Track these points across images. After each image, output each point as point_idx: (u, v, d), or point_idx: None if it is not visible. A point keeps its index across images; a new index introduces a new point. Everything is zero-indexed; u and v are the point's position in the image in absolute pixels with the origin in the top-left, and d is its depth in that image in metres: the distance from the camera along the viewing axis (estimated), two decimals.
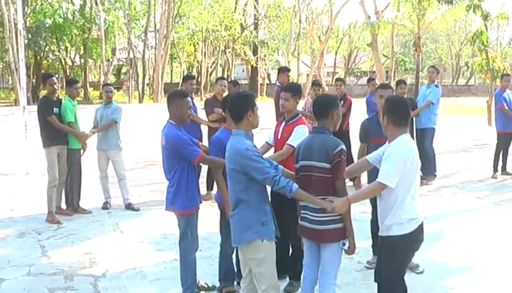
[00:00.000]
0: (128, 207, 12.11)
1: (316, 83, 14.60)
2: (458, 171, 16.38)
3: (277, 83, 14.90)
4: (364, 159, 6.59)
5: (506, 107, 15.41)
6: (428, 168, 14.64)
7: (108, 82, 44.43)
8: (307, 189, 5.87)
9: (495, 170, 15.68)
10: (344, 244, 5.92)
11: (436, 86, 14.78)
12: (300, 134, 7.18)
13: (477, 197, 13.23)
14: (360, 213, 9.41)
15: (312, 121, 10.17)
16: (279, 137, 7.66)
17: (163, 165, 7.19)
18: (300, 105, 9.35)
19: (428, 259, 8.63)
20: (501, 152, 15.71)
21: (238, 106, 6.00)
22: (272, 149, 7.89)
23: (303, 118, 7.83)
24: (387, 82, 36.85)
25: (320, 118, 6.07)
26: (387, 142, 6.03)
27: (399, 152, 5.75)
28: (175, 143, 6.84)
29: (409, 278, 6.39)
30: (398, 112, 5.96)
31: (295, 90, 7.69)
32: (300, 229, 6.17)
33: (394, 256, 5.92)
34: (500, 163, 15.75)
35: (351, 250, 5.97)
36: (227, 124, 7.11)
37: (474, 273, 8.39)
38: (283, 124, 7.68)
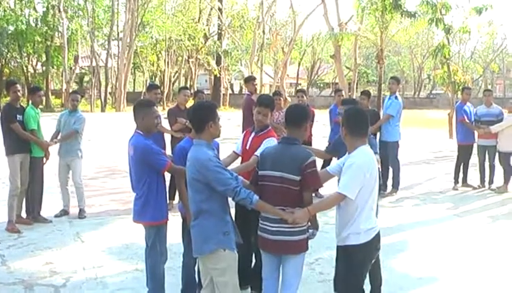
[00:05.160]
0: (80, 213, 12.06)
1: (277, 93, 14.66)
2: (419, 183, 16.52)
3: (246, 93, 14.98)
4: (325, 170, 6.63)
5: (467, 120, 15.60)
6: (394, 180, 14.77)
7: (72, 89, 44.05)
8: (267, 199, 5.90)
9: (456, 182, 15.86)
10: (313, 234, 6.13)
11: (396, 98, 14.88)
12: None
13: (438, 209, 13.34)
14: (323, 224, 9.44)
15: (280, 133, 10.19)
16: (247, 148, 7.65)
17: (130, 176, 7.15)
18: None
19: (389, 269, 8.68)
20: (462, 164, 15.90)
21: (199, 116, 6.01)
22: (239, 158, 7.89)
23: (272, 129, 7.85)
24: (350, 96, 37.03)
25: (292, 128, 6.09)
26: (347, 153, 6.08)
27: (359, 164, 5.80)
28: (144, 153, 6.80)
29: (368, 288, 6.43)
30: (357, 122, 6.03)
31: (272, 104, 7.74)
32: (260, 241, 6.18)
33: (352, 265, 5.98)
34: (461, 175, 15.94)
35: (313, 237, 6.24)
36: (191, 134, 7.10)
37: (435, 284, 8.47)
38: (253, 134, 7.68)
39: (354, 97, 35.31)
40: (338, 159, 6.73)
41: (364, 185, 5.79)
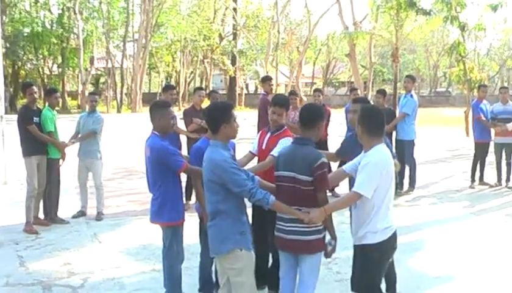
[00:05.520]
0: (97, 216, 12.08)
1: (292, 93, 14.66)
2: (435, 182, 16.46)
3: (262, 93, 15.01)
4: (341, 168, 6.64)
5: (483, 118, 15.54)
6: (410, 179, 14.74)
7: (89, 91, 44.20)
8: (285, 199, 5.90)
9: (473, 180, 15.79)
10: (330, 244, 6.05)
11: (411, 96, 14.83)
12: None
13: (454, 207, 13.30)
14: (339, 223, 9.45)
15: (296, 132, 10.19)
16: (264, 147, 7.66)
17: (147, 177, 7.18)
18: None
19: (406, 268, 8.66)
20: (479, 162, 15.84)
21: (215, 116, 6.00)
22: (255, 159, 7.90)
23: (288, 129, 7.84)
24: (366, 95, 36.98)
25: (305, 128, 6.08)
26: (363, 152, 6.07)
27: (375, 163, 5.79)
28: (160, 154, 6.82)
29: (384, 286, 6.42)
30: (373, 121, 6.01)
31: (287, 104, 7.77)
32: (276, 241, 6.20)
33: (369, 264, 5.98)
34: (478, 173, 15.86)
35: (331, 252, 6.11)
36: (208, 134, 7.10)
37: (452, 283, 8.44)
38: (269, 134, 7.69)
39: (369, 96, 35.29)
40: (348, 161, 6.68)
41: (380, 184, 5.79)
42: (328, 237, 6.10)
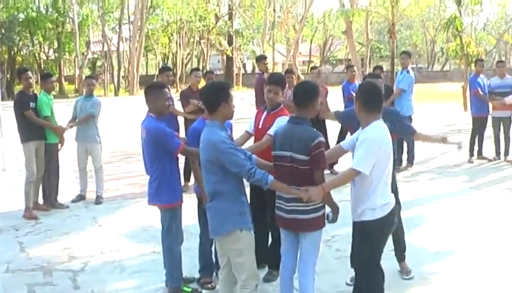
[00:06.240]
0: (96, 199, 12.11)
1: (289, 71, 14.64)
2: (434, 157, 16.45)
3: (257, 72, 15.01)
4: (339, 145, 6.63)
5: (481, 92, 15.53)
6: (408, 155, 14.75)
7: (86, 75, 44.16)
8: (283, 178, 5.89)
9: (471, 155, 15.80)
10: (328, 217, 6.08)
11: (408, 72, 14.80)
12: None
13: (453, 182, 13.32)
14: (339, 201, 9.44)
15: (293, 111, 10.16)
16: (260, 127, 7.61)
17: (144, 159, 7.18)
18: None
19: (406, 244, 8.67)
20: (477, 136, 15.85)
21: (211, 97, 5.94)
22: (252, 138, 7.87)
23: (285, 108, 7.80)
24: (363, 72, 36.87)
25: (300, 106, 6.04)
26: (360, 128, 6.05)
27: (373, 139, 5.77)
28: (157, 135, 6.81)
29: (386, 263, 6.42)
30: (370, 97, 5.98)
31: (283, 82, 7.73)
32: (277, 219, 6.20)
33: (368, 240, 5.98)
34: (476, 148, 15.88)
35: (334, 221, 6.18)
36: (205, 114, 7.07)
37: (452, 258, 8.46)
38: (265, 113, 7.63)
39: (367, 72, 35.19)
40: (351, 134, 6.67)
41: (378, 160, 5.77)
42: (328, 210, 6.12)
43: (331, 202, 6.09)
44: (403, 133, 8.42)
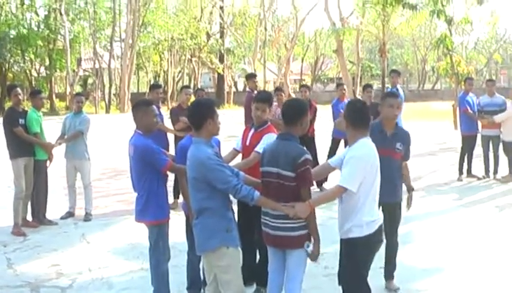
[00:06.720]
0: (85, 216, 12.07)
1: (278, 89, 14.70)
2: (424, 175, 16.49)
3: (247, 89, 15.09)
4: (327, 162, 6.67)
5: (470, 110, 15.60)
6: None
7: (76, 92, 44.16)
8: (270, 194, 5.90)
9: (461, 173, 15.86)
10: (308, 246, 5.92)
11: (397, 90, 14.85)
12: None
13: (443, 200, 13.33)
14: (327, 219, 9.47)
15: (281, 128, 10.18)
16: (247, 144, 7.65)
17: (131, 175, 7.18)
18: None
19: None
20: (467, 155, 15.90)
21: (197, 114, 5.99)
22: (240, 155, 7.88)
23: (272, 125, 7.83)
24: (354, 90, 36.99)
25: (288, 123, 6.03)
26: (347, 146, 6.07)
27: (360, 156, 5.81)
28: (144, 152, 6.82)
29: (373, 280, 6.42)
30: (359, 115, 6.02)
31: (270, 100, 7.75)
32: (263, 235, 6.20)
33: (355, 257, 6.00)
34: (465, 166, 15.93)
35: (314, 255, 5.97)
36: (192, 132, 7.09)
37: (441, 275, 8.48)
38: (252, 130, 7.68)
39: (358, 91, 35.33)
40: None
41: (365, 177, 5.80)
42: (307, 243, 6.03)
43: (313, 227, 5.96)
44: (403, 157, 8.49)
